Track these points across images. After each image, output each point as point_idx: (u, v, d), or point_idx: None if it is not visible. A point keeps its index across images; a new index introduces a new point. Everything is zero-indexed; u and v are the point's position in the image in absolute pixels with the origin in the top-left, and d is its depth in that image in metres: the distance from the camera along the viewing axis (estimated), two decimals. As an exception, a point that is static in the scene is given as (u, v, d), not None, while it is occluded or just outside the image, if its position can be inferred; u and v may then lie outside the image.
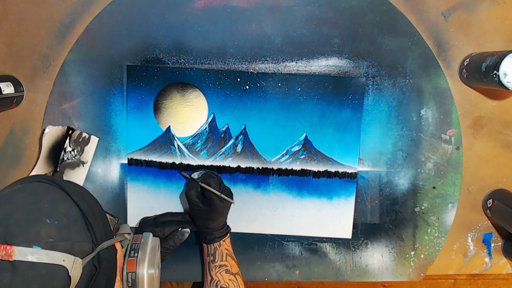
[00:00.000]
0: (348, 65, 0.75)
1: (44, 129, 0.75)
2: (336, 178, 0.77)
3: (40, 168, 0.75)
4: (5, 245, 0.39)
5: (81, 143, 0.75)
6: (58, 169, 0.75)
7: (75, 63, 0.74)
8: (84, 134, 0.75)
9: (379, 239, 0.80)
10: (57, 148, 0.75)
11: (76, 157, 0.75)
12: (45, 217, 0.43)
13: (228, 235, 0.72)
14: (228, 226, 0.73)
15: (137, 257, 0.57)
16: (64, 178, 0.76)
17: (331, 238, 0.80)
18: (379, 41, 0.74)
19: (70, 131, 0.75)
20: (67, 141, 0.75)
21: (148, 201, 0.78)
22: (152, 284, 0.58)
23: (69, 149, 0.75)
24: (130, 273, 0.56)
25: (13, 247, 0.40)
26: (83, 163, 0.76)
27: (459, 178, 0.77)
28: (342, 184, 0.77)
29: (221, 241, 0.70)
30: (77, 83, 0.75)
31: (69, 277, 0.42)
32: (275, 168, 0.77)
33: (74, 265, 0.43)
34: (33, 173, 0.75)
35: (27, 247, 0.40)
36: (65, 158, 0.75)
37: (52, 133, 0.75)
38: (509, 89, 0.62)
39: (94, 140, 0.76)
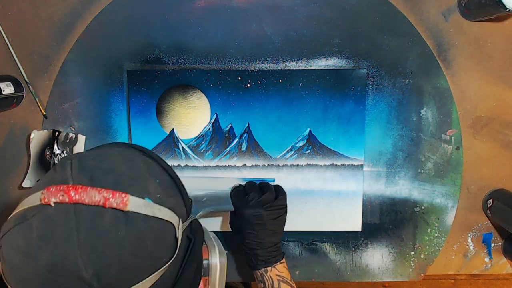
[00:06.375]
0: (348, 65, 0.75)
1: (29, 135, 0.75)
2: (342, 171, 0.77)
3: (32, 174, 0.75)
4: (120, 193, 0.36)
5: (69, 144, 0.75)
6: None
7: (75, 63, 0.74)
8: (71, 135, 0.75)
9: (379, 239, 0.80)
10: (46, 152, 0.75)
11: None
12: (147, 173, 0.40)
13: (281, 261, 0.63)
14: (280, 251, 0.64)
15: (206, 245, 0.53)
16: None
17: (336, 235, 0.80)
18: (379, 41, 0.74)
19: (57, 134, 0.75)
20: (55, 144, 0.75)
21: None
22: (223, 272, 0.54)
23: (58, 151, 0.75)
24: (203, 260, 0.52)
25: (128, 195, 0.36)
26: None
27: (459, 178, 0.77)
28: (349, 176, 0.77)
29: (269, 268, 0.62)
30: (77, 83, 0.75)
31: (176, 238, 0.40)
32: (281, 164, 0.77)
33: (179, 226, 0.40)
34: (26, 180, 0.75)
35: (141, 198, 0.37)
36: (56, 162, 0.75)
37: (38, 138, 0.74)
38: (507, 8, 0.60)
39: (81, 138, 0.75)
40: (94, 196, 0.35)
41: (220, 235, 0.79)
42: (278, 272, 0.62)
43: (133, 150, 0.45)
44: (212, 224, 0.79)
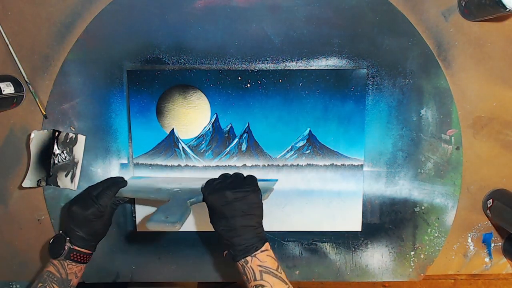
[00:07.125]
0: (348, 65, 0.75)
1: (29, 135, 0.75)
2: (342, 171, 0.77)
3: (32, 174, 0.75)
4: None
5: (69, 144, 0.75)
6: (51, 174, 0.75)
7: (75, 63, 0.74)
8: (71, 135, 0.75)
9: (379, 239, 0.80)
10: (46, 152, 0.75)
11: (66, 159, 0.75)
12: None
13: (262, 249, 0.56)
14: (260, 238, 0.57)
15: None
16: (58, 181, 0.76)
17: (336, 235, 0.80)
18: (379, 41, 0.74)
19: (56, 134, 0.75)
20: (55, 144, 0.75)
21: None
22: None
23: (58, 151, 0.75)
24: None
25: None
26: (74, 163, 0.76)
27: (459, 178, 0.77)
28: (349, 176, 0.77)
29: (249, 258, 0.55)
30: (77, 83, 0.75)
31: None
32: (281, 164, 0.77)
33: None
34: (26, 180, 0.75)
35: None
36: (56, 162, 0.75)
37: (38, 138, 0.75)
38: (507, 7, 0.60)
39: (81, 138, 0.76)
40: None
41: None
42: (259, 262, 0.55)
43: None
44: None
